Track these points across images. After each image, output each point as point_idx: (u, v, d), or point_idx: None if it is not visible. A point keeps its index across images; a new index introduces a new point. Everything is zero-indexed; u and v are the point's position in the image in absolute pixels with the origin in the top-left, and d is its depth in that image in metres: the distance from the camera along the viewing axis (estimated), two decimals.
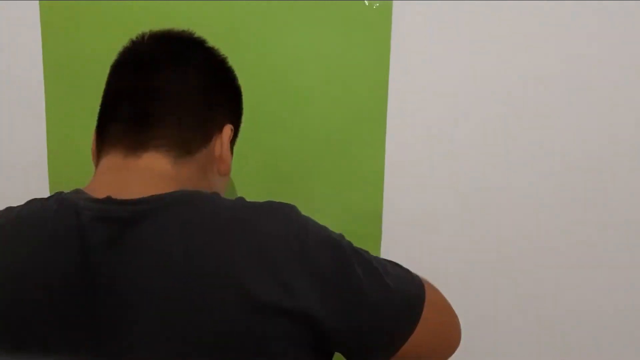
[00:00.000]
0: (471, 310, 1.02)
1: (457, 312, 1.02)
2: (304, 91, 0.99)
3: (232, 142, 0.73)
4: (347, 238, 1.01)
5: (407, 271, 0.69)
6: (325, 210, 1.01)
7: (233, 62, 1.01)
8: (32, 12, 1.05)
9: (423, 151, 0.99)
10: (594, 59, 0.94)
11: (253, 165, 1.02)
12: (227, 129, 0.71)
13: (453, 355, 1.02)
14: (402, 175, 0.99)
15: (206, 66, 0.71)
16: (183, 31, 0.72)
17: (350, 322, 0.59)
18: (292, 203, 0.63)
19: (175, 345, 0.54)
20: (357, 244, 1.01)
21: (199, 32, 1.01)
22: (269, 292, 0.55)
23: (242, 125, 1.02)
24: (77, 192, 0.64)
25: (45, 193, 1.05)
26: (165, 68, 0.67)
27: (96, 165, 0.69)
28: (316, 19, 0.97)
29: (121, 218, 0.58)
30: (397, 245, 1.01)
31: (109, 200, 0.60)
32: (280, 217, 0.59)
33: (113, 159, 0.65)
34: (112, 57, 1.03)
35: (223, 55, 0.73)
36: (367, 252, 0.66)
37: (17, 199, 1.06)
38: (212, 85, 0.71)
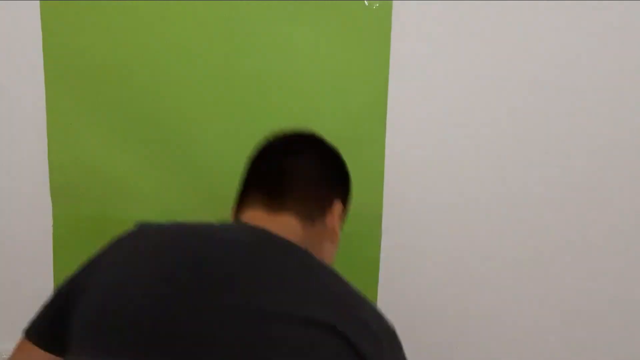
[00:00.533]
0: (471, 309, 1.02)
1: (456, 311, 1.02)
2: (305, 91, 0.99)
3: (340, 217, 0.86)
4: (347, 238, 1.01)
5: None
6: None
7: (233, 62, 1.02)
8: (33, 12, 1.05)
9: (423, 151, 0.99)
10: (596, 59, 0.94)
11: None
12: (338, 205, 0.85)
13: (456, 351, 1.03)
14: (402, 176, 1.00)
15: (324, 155, 0.87)
16: (306, 130, 0.89)
17: None
18: None
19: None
20: (357, 244, 1.02)
21: (199, 32, 1.02)
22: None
23: (242, 126, 1.02)
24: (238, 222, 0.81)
25: (45, 193, 1.05)
26: (294, 155, 0.85)
27: (237, 214, 0.84)
28: (316, 19, 0.97)
29: (258, 248, 0.72)
30: (396, 245, 1.01)
31: (263, 231, 0.75)
32: (377, 316, 0.72)
33: (255, 213, 0.80)
34: (113, 56, 1.03)
35: (335, 148, 0.88)
36: None
37: (18, 199, 1.06)
38: (329, 170, 0.87)
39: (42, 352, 0.74)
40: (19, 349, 0.76)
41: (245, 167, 0.88)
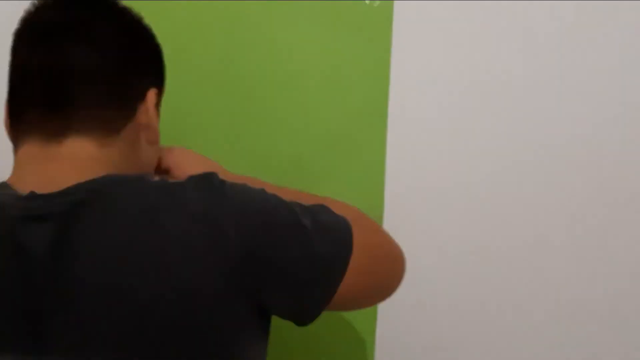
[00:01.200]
0: (471, 309, 1.02)
1: (456, 311, 1.02)
2: (305, 91, 0.99)
3: (158, 105, 0.69)
4: None
5: (334, 215, 0.67)
6: None
7: (233, 61, 1.01)
8: None
9: (424, 151, 0.99)
10: (598, 59, 0.94)
11: (253, 165, 1.02)
12: (152, 95, 0.66)
13: (456, 351, 1.02)
14: (403, 175, 0.99)
15: (121, 31, 0.65)
16: None
17: (280, 275, 0.60)
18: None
19: (119, 338, 0.55)
20: None
21: (199, 32, 1.02)
22: (197, 275, 0.56)
23: (242, 125, 1.02)
24: (2, 187, 0.61)
25: None
26: (77, 40, 0.62)
27: (15, 150, 0.64)
28: (317, 18, 0.97)
29: (50, 214, 0.56)
30: (398, 242, 1.00)
31: (33, 196, 0.57)
32: (202, 192, 0.58)
33: (31, 149, 0.61)
34: None
35: (138, 14, 0.68)
36: (293, 204, 0.63)
37: None
38: (130, 51, 0.66)
39: None
40: None
41: (11, 57, 0.65)
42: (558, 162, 0.97)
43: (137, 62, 0.66)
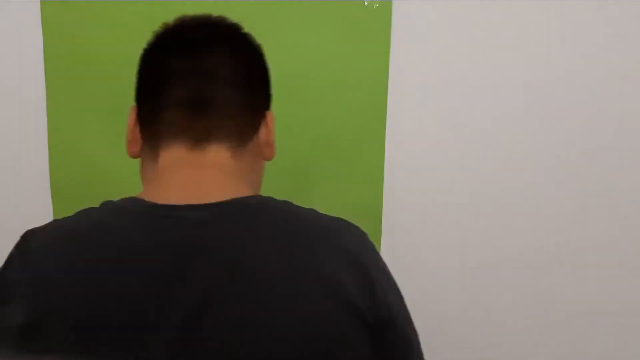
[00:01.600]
0: (471, 307, 1.02)
1: (457, 309, 1.02)
2: (304, 91, 0.99)
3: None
4: None
5: None
6: (325, 209, 1.01)
7: None
8: (34, 13, 1.05)
9: (422, 150, 0.99)
10: (596, 60, 0.94)
11: None
12: (271, 115, 0.69)
13: (457, 351, 1.02)
14: (402, 174, 1.00)
15: (250, 51, 0.69)
16: (220, 16, 0.70)
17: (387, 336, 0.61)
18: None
19: (256, 347, 0.53)
20: None
21: None
22: (358, 295, 0.57)
23: None
24: (136, 200, 0.59)
25: (46, 195, 1.05)
26: (218, 51, 0.65)
27: (139, 155, 0.66)
28: (316, 19, 0.97)
29: (204, 223, 0.56)
30: (396, 243, 1.01)
31: (188, 207, 0.57)
32: (358, 237, 0.63)
33: (177, 153, 0.61)
34: (113, 56, 1.03)
35: (250, 35, 0.71)
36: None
37: (18, 200, 1.06)
38: (256, 70, 0.69)
39: None
40: None
41: (143, 71, 0.66)
42: (559, 163, 0.97)
43: (261, 82, 0.70)
